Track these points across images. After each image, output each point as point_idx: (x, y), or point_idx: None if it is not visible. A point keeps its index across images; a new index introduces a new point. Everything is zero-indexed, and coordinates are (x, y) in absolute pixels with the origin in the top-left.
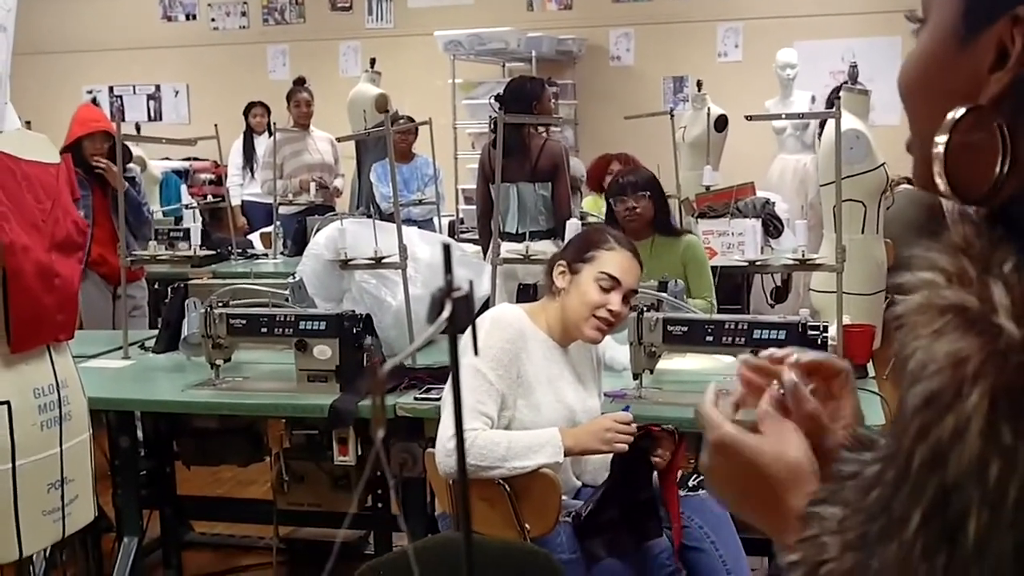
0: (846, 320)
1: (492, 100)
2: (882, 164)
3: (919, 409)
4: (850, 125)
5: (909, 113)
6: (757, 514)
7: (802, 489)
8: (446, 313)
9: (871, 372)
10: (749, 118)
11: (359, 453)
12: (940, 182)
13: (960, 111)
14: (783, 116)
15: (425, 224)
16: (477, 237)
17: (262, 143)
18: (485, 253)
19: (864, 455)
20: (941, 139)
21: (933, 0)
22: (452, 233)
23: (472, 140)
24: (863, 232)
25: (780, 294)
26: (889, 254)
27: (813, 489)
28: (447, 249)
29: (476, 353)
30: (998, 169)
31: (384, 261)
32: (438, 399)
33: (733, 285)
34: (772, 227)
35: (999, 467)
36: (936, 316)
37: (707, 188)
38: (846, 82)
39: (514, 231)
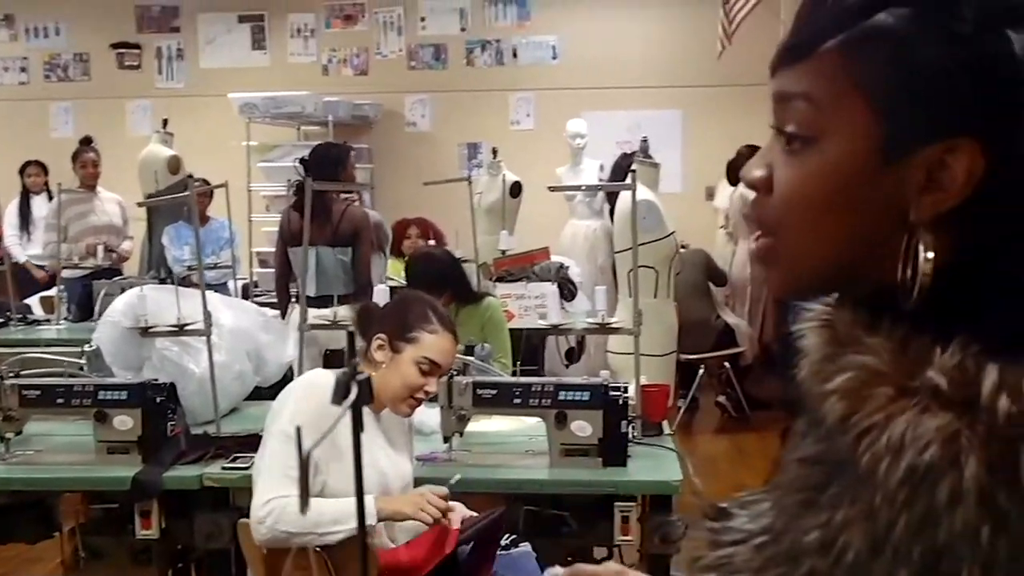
0: (643, 380)
1: (297, 163)
2: (672, 232)
3: (906, 479)
4: (643, 196)
5: (799, 225)
6: None
7: None
8: (352, 396)
9: (667, 429)
10: (552, 189)
11: (163, 526)
12: (915, 295)
13: (927, 236)
14: (583, 188)
15: (219, 287)
16: (274, 300)
17: (40, 204)
18: (283, 315)
19: (736, 522)
20: (929, 258)
21: (829, 119)
22: (246, 296)
23: (267, 203)
24: (656, 296)
25: (572, 355)
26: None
27: None
28: (351, 337)
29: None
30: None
31: (187, 328)
32: (247, 468)
33: (530, 347)
34: (567, 290)
35: (991, 528)
36: (900, 395)
37: (503, 252)
38: (637, 154)
39: (312, 295)
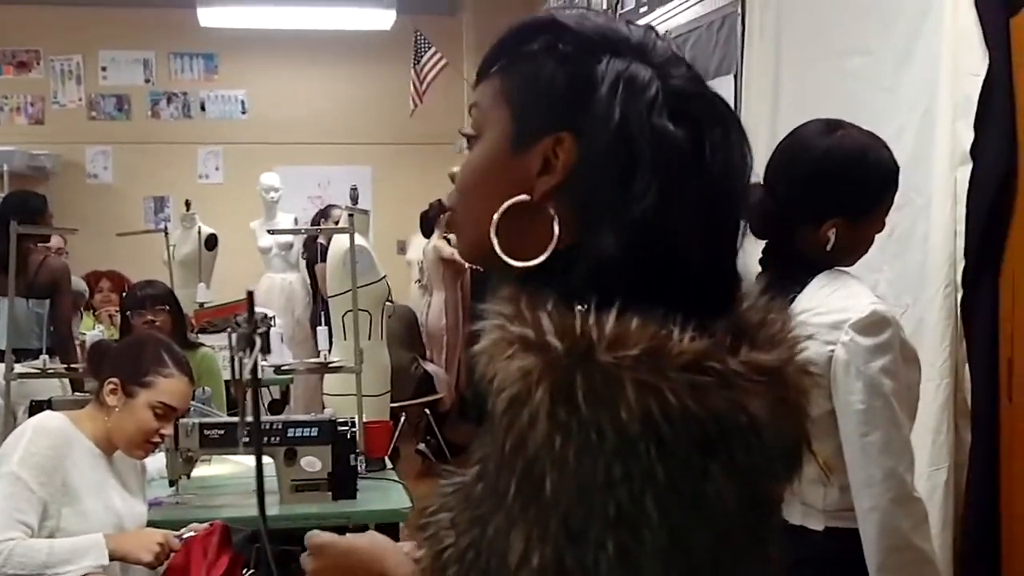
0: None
1: None
2: (384, 276)
3: (505, 411)
4: (355, 242)
5: (464, 203)
6: None
7: (396, 553)
8: (257, 347)
9: (389, 464)
10: (272, 232)
11: None
12: (497, 247)
13: (511, 200)
14: (302, 231)
15: None
16: None
17: None
18: None
19: (455, 478)
20: (495, 217)
21: (487, 121)
22: None
23: None
24: (371, 339)
25: (278, 406)
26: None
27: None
28: (251, 296)
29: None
30: (553, 244)
31: None
32: None
33: (230, 399)
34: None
35: (560, 438)
36: (507, 346)
37: (201, 305)
38: (346, 206)
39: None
